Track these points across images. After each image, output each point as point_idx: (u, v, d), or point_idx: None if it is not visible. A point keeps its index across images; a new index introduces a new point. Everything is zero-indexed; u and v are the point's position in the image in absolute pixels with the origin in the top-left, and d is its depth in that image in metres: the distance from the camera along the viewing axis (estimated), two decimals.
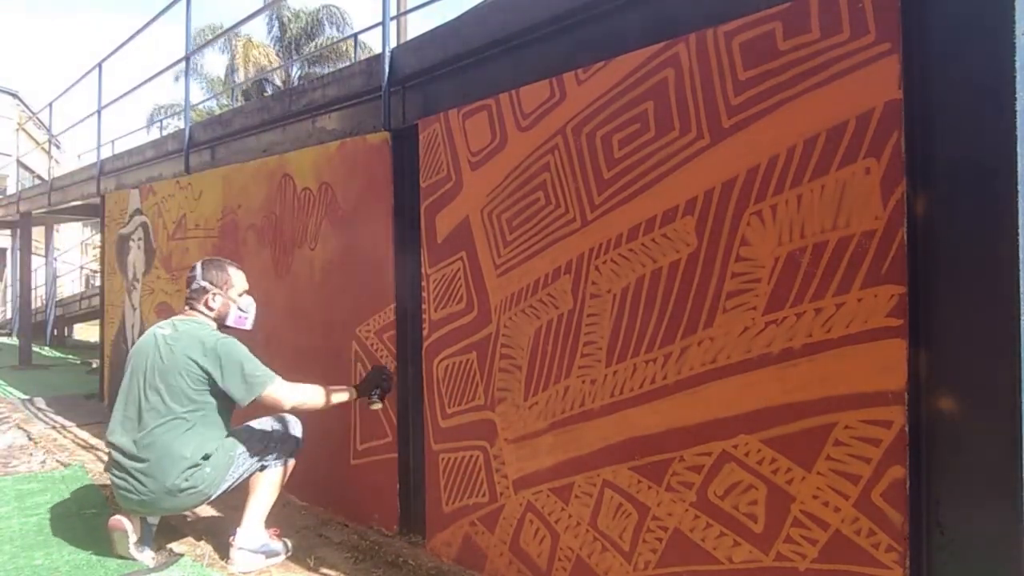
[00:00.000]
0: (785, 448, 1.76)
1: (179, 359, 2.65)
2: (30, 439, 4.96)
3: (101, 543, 2.86)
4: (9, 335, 14.41)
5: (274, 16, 19.75)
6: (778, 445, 1.78)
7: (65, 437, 5.03)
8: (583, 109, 2.25)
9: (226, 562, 2.76)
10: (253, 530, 2.78)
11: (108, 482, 3.68)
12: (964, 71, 1.50)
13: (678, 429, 1.99)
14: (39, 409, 6.15)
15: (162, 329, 2.80)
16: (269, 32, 20.42)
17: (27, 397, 6.80)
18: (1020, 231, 1.41)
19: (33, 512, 3.33)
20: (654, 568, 2.05)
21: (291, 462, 2.92)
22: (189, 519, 3.24)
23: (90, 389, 6.95)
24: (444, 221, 2.77)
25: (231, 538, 2.77)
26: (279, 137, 3.88)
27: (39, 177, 16.92)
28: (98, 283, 9.72)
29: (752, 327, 1.83)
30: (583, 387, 2.25)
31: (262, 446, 2.80)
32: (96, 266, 14.93)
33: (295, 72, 19.65)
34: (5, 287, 19.03)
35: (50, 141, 12.35)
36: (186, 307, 2.88)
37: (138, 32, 5.67)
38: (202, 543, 2.98)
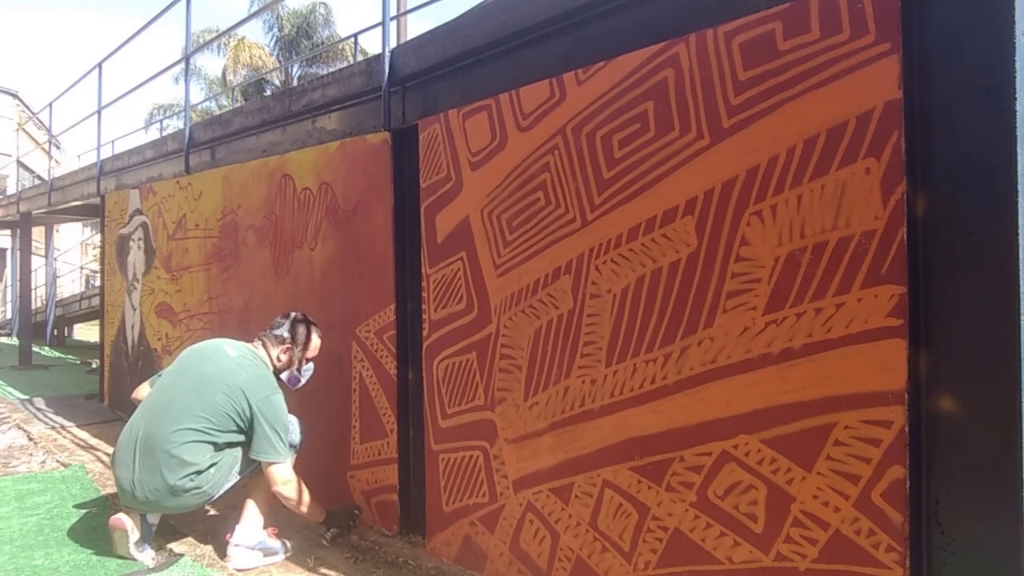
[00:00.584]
0: (785, 448, 1.76)
1: (235, 384, 2.73)
2: (30, 439, 4.96)
3: (101, 543, 2.86)
4: (9, 335, 14.40)
5: (274, 16, 19.76)
6: (778, 445, 1.78)
7: (65, 437, 5.03)
8: (583, 109, 2.25)
9: (225, 561, 2.77)
10: (251, 528, 2.79)
11: (108, 482, 3.70)
12: (964, 71, 1.50)
13: (678, 429, 1.99)
14: (39, 409, 6.15)
15: (231, 348, 2.90)
16: (268, 32, 20.47)
17: (27, 397, 6.80)
18: (1020, 231, 1.41)
19: (33, 512, 3.34)
20: (654, 568, 2.05)
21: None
22: (189, 519, 3.24)
23: (90, 389, 6.95)
24: (444, 221, 2.77)
25: (228, 535, 2.79)
26: (279, 137, 3.88)
27: (39, 177, 16.90)
28: (98, 283, 9.72)
29: (752, 327, 1.83)
30: (583, 387, 2.25)
31: None
32: (96, 266, 14.95)
33: (294, 72, 19.67)
34: (5, 287, 19.03)
35: (50, 141, 12.36)
36: (259, 341, 2.97)
37: (138, 32, 5.68)
38: (202, 543, 2.99)
